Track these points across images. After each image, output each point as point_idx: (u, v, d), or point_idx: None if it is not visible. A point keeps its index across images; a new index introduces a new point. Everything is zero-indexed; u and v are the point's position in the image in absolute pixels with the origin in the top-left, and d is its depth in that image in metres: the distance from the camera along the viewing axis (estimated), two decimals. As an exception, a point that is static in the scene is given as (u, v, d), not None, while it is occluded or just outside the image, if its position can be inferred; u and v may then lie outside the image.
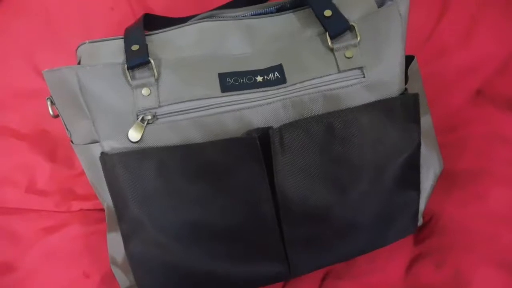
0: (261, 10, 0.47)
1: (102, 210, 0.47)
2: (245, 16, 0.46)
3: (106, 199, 0.44)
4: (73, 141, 0.44)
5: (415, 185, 0.45)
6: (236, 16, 0.46)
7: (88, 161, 0.43)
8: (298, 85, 0.41)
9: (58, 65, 0.58)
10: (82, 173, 0.50)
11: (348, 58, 0.41)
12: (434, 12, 0.59)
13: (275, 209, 0.41)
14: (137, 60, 0.40)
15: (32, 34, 0.59)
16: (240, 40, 0.43)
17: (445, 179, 0.51)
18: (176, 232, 0.40)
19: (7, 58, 0.59)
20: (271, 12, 0.47)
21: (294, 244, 0.43)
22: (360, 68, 0.41)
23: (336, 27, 0.42)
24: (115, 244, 0.45)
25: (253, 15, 0.47)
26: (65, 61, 0.57)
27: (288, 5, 0.47)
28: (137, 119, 0.39)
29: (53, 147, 0.59)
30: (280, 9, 0.47)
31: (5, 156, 0.58)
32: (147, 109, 0.39)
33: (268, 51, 0.43)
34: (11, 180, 0.57)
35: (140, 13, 0.60)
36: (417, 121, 0.43)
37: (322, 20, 0.42)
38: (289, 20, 0.45)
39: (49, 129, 0.59)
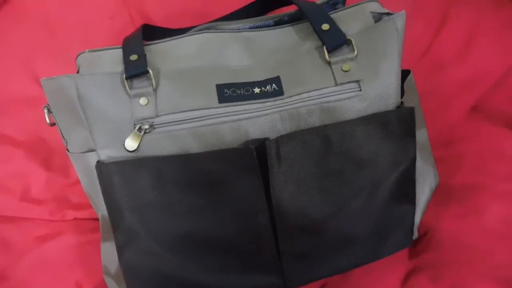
0: (259, 23, 0.48)
1: (97, 219, 0.47)
2: (244, 28, 0.47)
3: (100, 209, 0.44)
4: (69, 149, 0.44)
5: (411, 199, 0.45)
6: (235, 29, 0.46)
7: (84, 169, 0.43)
8: (295, 97, 0.41)
9: (57, 73, 0.58)
10: (77, 182, 0.50)
11: (345, 71, 0.42)
12: (432, 27, 0.60)
13: (271, 221, 0.40)
14: (136, 70, 0.40)
15: (32, 42, 0.59)
16: (238, 52, 0.44)
17: (440, 193, 0.51)
18: (171, 242, 0.40)
19: (5, 65, 0.59)
20: (269, 25, 0.48)
21: (289, 256, 0.42)
22: (357, 81, 0.41)
23: (334, 41, 0.42)
24: (108, 253, 0.45)
25: (252, 27, 0.47)
26: (64, 69, 0.57)
27: (286, 18, 0.48)
28: (134, 128, 0.39)
29: (49, 155, 0.59)
30: (278, 22, 0.48)
31: (0, 163, 0.57)
32: (144, 119, 0.40)
33: (266, 64, 0.43)
34: (5, 187, 0.57)
35: (139, 23, 0.60)
36: (412, 134, 0.43)
37: (319, 33, 0.43)
38: (287, 33, 0.46)
39: (46, 137, 0.59)
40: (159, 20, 0.61)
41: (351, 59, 0.42)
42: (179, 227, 0.40)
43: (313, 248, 0.43)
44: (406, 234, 0.46)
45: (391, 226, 0.45)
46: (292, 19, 0.47)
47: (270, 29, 0.46)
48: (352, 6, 0.46)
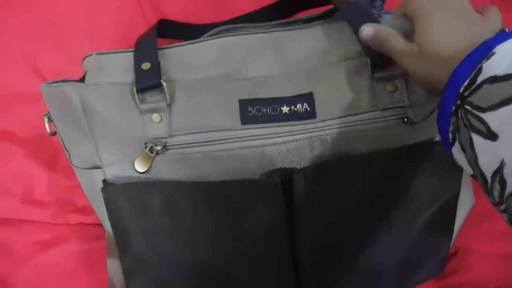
0: (286, 27, 0.41)
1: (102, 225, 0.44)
2: (271, 30, 0.40)
3: (106, 226, 0.40)
4: (73, 162, 0.40)
5: (448, 231, 0.41)
6: (260, 30, 0.40)
7: (88, 185, 0.39)
8: (328, 122, 0.35)
9: (60, 66, 0.56)
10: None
11: (391, 92, 0.36)
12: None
13: (292, 255, 0.37)
14: (148, 82, 0.35)
15: (33, 33, 0.55)
16: (264, 59, 0.38)
17: (475, 211, 0.47)
18: (183, 272, 0.37)
19: (6, 57, 0.55)
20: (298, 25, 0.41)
21: None
22: (403, 107, 0.36)
23: (381, 56, 0.34)
24: (115, 269, 0.42)
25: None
26: (68, 63, 0.54)
27: (316, 16, 0.42)
28: (145, 147, 0.35)
29: (53, 154, 0.56)
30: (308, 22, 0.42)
31: (0, 162, 0.54)
32: (156, 138, 0.35)
33: (297, 74, 0.38)
34: (6, 188, 0.54)
35: (149, 13, 0.56)
36: (460, 167, 0.38)
37: (365, 46, 0.36)
38: (322, 35, 0.39)
39: None
40: (171, 9, 0.56)
41: (400, 76, 0.36)
42: (192, 256, 0.37)
43: (337, 284, 0.39)
44: (438, 265, 0.43)
45: (423, 257, 0.41)
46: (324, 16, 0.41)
47: (300, 30, 0.40)
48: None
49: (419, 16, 0.30)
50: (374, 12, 0.40)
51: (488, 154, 0.24)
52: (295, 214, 0.35)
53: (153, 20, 0.55)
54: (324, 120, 0.36)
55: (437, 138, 0.37)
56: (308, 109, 0.36)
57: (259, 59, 0.38)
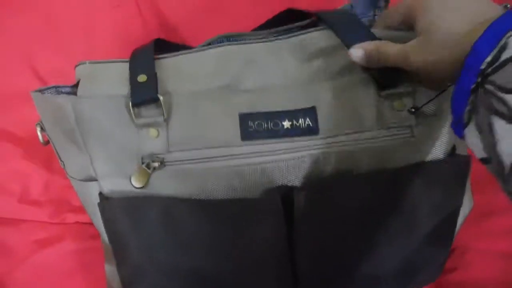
0: (286, 36, 0.39)
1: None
2: (270, 39, 0.38)
3: (102, 235, 0.39)
4: (68, 172, 0.39)
5: (448, 241, 0.40)
6: (258, 38, 0.39)
7: (84, 196, 0.38)
8: (330, 139, 0.34)
9: (58, 66, 0.55)
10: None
11: (397, 110, 0.34)
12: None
13: (292, 269, 0.36)
14: (144, 96, 0.34)
15: (32, 33, 0.55)
16: (265, 68, 0.37)
17: (474, 209, 0.47)
18: (183, 282, 0.36)
19: (5, 57, 0.55)
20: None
21: None
22: (410, 126, 0.34)
23: (386, 73, 0.32)
24: (112, 273, 0.41)
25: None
26: (65, 62, 0.54)
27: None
28: (142, 163, 0.34)
29: (50, 153, 0.55)
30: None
31: (-3, 161, 0.54)
32: (154, 154, 0.34)
33: (299, 84, 0.36)
34: (4, 188, 0.54)
35: (147, 13, 0.56)
36: (464, 184, 0.36)
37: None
38: (323, 43, 0.37)
39: None
40: (169, 9, 0.56)
41: (408, 94, 0.34)
42: (191, 270, 0.36)
43: None
44: (435, 272, 0.42)
45: (421, 265, 0.40)
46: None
47: (300, 38, 0.38)
48: None
49: (420, 3, 0.29)
50: (378, 12, 0.39)
51: (511, 139, 0.23)
52: (295, 232, 0.34)
53: (151, 20, 0.56)
54: (327, 137, 0.34)
55: (441, 155, 0.35)
56: (311, 124, 0.34)
57: (259, 69, 0.36)
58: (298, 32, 0.38)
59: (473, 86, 0.24)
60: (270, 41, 0.38)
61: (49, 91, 0.36)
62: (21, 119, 0.55)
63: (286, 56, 0.37)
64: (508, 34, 0.23)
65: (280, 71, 0.36)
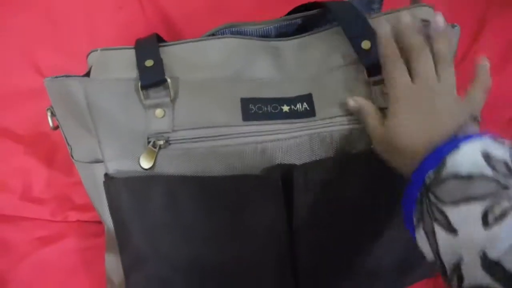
0: (286, 23, 0.42)
1: (101, 222, 0.44)
2: (270, 31, 0.41)
3: (107, 221, 0.41)
4: (74, 156, 0.40)
5: None
6: (260, 33, 0.41)
7: (89, 179, 0.39)
8: (327, 120, 0.36)
9: (59, 64, 0.56)
10: (81, 181, 0.47)
11: (385, 94, 0.36)
12: (469, 35, 0.56)
13: (291, 251, 0.37)
14: (152, 78, 0.36)
15: (33, 32, 0.56)
16: (267, 63, 0.39)
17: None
18: (183, 267, 0.37)
19: (6, 55, 0.55)
20: (296, 24, 0.43)
21: None
22: None
23: (376, 63, 0.35)
24: (113, 264, 0.42)
25: (278, 28, 0.42)
26: (67, 61, 0.54)
27: (315, 17, 0.42)
28: (148, 143, 0.35)
29: (51, 150, 0.56)
30: (306, 21, 0.43)
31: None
32: (159, 133, 0.35)
33: (297, 78, 0.39)
34: (5, 185, 0.54)
35: (151, 13, 0.56)
36: None
37: (359, 53, 0.37)
38: (319, 42, 0.40)
39: (48, 131, 0.54)
40: (173, 11, 0.56)
41: None
42: (193, 251, 0.37)
43: (336, 284, 0.40)
44: (432, 265, 0.43)
45: (419, 259, 0.41)
46: (321, 16, 0.42)
47: (301, 37, 0.41)
48: (399, 11, 0.39)
49: (393, 102, 0.32)
50: (372, 13, 0.41)
51: (449, 247, 0.26)
52: (294, 210, 0.36)
53: (154, 19, 0.56)
54: (324, 119, 0.36)
55: None
56: (308, 108, 0.37)
57: (260, 64, 0.39)
58: (299, 35, 0.41)
59: (418, 196, 0.28)
60: (269, 41, 0.40)
61: (61, 78, 0.37)
62: (22, 117, 0.56)
63: (283, 56, 0.40)
64: (448, 155, 0.27)
65: (278, 67, 0.39)
